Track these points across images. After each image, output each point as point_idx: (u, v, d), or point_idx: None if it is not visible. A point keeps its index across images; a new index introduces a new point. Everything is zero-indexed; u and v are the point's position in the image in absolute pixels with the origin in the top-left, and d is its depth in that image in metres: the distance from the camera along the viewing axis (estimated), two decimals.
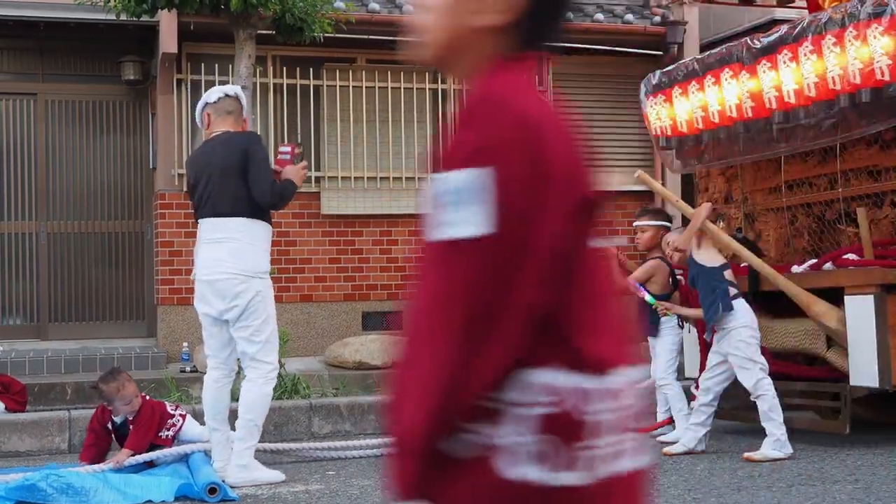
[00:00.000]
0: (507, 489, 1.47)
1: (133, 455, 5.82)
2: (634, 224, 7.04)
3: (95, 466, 5.68)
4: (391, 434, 1.49)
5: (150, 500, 5.08)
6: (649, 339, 6.88)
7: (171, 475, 5.49)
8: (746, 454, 5.97)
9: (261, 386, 5.55)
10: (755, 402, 6.16)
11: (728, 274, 6.16)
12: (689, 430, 6.25)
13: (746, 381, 6.03)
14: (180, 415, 6.23)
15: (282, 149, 6.02)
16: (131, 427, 5.94)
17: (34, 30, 10.03)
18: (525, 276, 1.45)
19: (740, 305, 6.10)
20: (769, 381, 6.00)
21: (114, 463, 5.71)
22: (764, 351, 6.72)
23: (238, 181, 5.53)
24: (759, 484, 5.12)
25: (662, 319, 6.78)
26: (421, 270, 1.50)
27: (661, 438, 6.71)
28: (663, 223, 6.91)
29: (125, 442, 5.88)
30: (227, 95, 5.86)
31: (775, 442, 5.92)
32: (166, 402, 6.41)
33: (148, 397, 6.28)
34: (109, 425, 6.01)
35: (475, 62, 1.53)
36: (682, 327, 6.84)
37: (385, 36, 10.45)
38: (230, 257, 5.49)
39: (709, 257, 6.19)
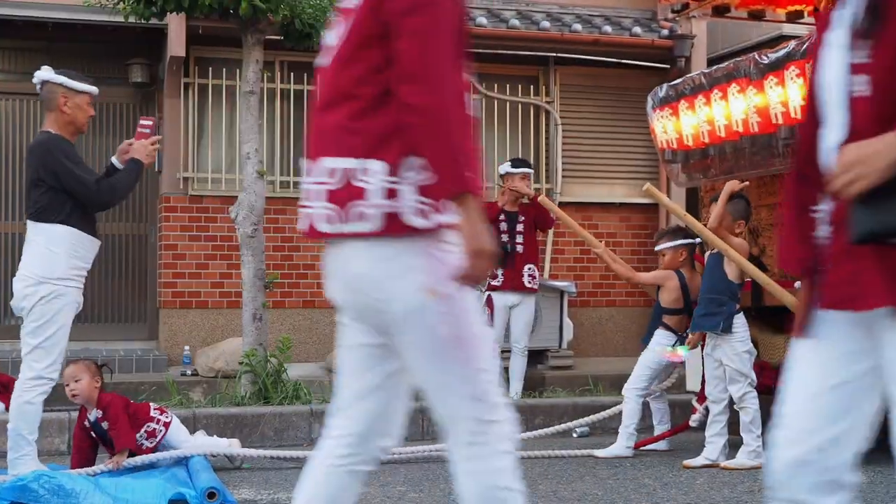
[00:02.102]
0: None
1: (128, 453, 5.80)
2: (656, 248, 7.14)
3: (90, 469, 5.67)
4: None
5: None
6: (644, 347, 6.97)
7: (169, 479, 5.48)
8: (723, 463, 6.17)
9: (20, 393, 5.39)
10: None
11: (740, 294, 6.30)
12: (710, 443, 6.32)
13: (734, 392, 6.25)
14: (164, 423, 6.00)
15: (143, 122, 5.86)
16: (104, 425, 5.81)
17: (42, 30, 10.05)
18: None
19: (740, 321, 6.23)
20: (755, 394, 6.21)
21: (113, 465, 5.69)
22: (765, 366, 6.74)
23: (37, 188, 5.47)
24: (758, 499, 5.11)
25: (656, 333, 6.85)
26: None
27: (596, 453, 6.71)
28: (681, 242, 6.96)
29: (115, 445, 5.81)
30: (42, 84, 5.62)
31: (751, 452, 6.16)
32: (151, 405, 6.17)
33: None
34: (86, 423, 5.91)
35: None
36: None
37: None
38: (26, 260, 5.47)
39: (733, 272, 6.28)
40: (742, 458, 6.12)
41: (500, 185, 9.32)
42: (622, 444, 6.77)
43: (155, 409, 6.10)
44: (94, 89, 5.69)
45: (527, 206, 8.92)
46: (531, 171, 9.08)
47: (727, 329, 6.20)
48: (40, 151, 5.50)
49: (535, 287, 8.94)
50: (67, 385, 5.81)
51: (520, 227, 8.85)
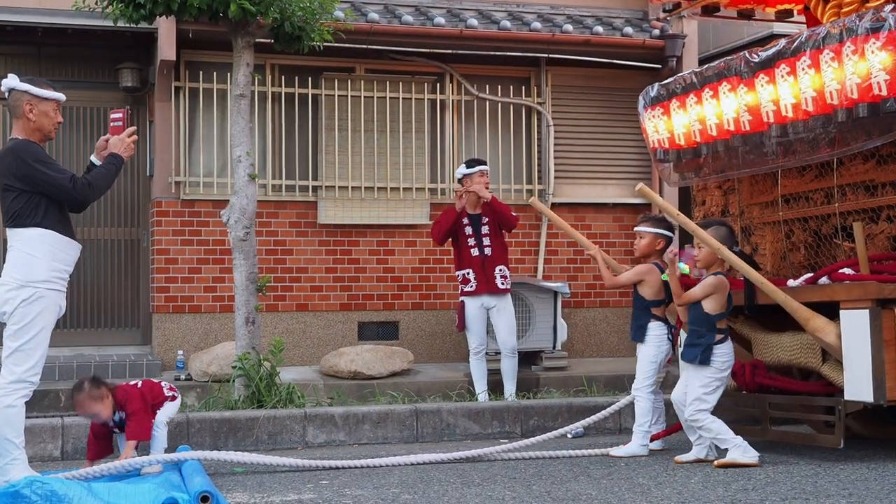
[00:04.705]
0: None
1: (138, 444, 6.02)
2: (635, 229, 7.10)
3: (80, 472, 5.67)
4: None
5: None
6: (637, 344, 6.93)
7: (162, 483, 5.46)
8: (716, 461, 6.17)
9: (0, 398, 5.36)
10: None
11: (721, 323, 6.29)
12: (697, 444, 6.37)
13: (686, 412, 6.31)
14: (169, 398, 6.30)
15: (113, 116, 5.85)
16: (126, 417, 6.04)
17: (32, 36, 10.04)
18: None
19: (721, 350, 6.23)
20: (706, 413, 6.23)
21: (123, 459, 5.85)
22: (759, 364, 6.74)
23: (8, 194, 5.45)
24: (752, 497, 5.10)
25: (650, 326, 6.81)
26: None
27: (612, 452, 6.72)
28: (662, 231, 6.93)
29: (126, 433, 6.00)
30: (8, 92, 5.61)
31: (737, 447, 6.15)
32: (163, 386, 6.36)
33: (137, 383, 6.26)
34: (110, 422, 6.12)
35: None
36: (671, 340, 6.87)
37: (384, 46, 10.47)
38: (7, 265, 5.46)
39: (709, 304, 6.25)
40: (734, 455, 6.12)
41: (455, 189, 9.27)
42: (638, 443, 6.75)
43: (166, 387, 6.35)
44: (59, 96, 5.67)
45: (491, 205, 8.86)
46: (487, 167, 9.03)
47: (705, 361, 6.22)
48: (10, 158, 5.48)
49: (508, 288, 8.91)
50: (96, 414, 6.02)
51: (485, 230, 8.81)
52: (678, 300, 6.41)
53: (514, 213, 8.99)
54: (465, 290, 8.83)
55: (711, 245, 6.30)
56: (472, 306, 8.82)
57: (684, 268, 6.61)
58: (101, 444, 6.18)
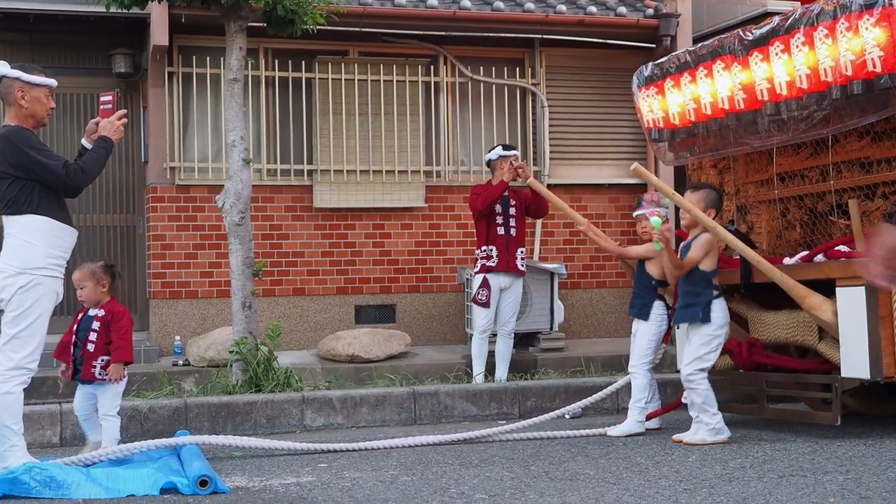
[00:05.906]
0: None
1: (126, 365, 6.06)
2: (636, 213, 7.10)
3: (78, 458, 5.67)
4: None
5: (132, 495, 5.04)
6: (635, 320, 6.93)
7: (161, 468, 5.47)
8: (686, 439, 6.28)
9: None
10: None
11: (716, 280, 6.32)
12: (697, 422, 6.38)
13: (684, 370, 6.33)
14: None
15: (102, 98, 5.85)
16: (95, 325, 6.08)
17: (24, 22, 10.00)
18: None
19: (718, 306, 6.26)
20: (704, 377, 6.27)
21: (115, 379, 5.97)
22: (756, 342, 6.75)
23: (2, 181, 5.43)
24: (750, 475, 5.12)
25: (655, 305, 6.83)
26: None
27: (610, 432, 6.75)
28: (665, 210, 6.97)
29: (113, 354, 6.00)
30: (0, 79, 5.57)
31: (711, 430, 6.23)
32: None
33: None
34: (80, 316, 6.21)
35: None
36: (669, 318, 6.89)
37: (378, 28, 10.44)
38: (4, 253, 5.45)
39: (706, 262, 6.27)
40: (702, 434, 6.19)
41: (488, 169, 9.34)
42: (634, 419, 6.79)
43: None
44: (51, 82, 5.65)
45: (516, 190, 8.99)
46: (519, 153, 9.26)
47: (706, 319, 6.25)
48: (3, 145, 5.47)
49: (525, 270, 9.04)
50: (82, 288, 6.22)
51: (512, 211, 8.94)
52: (680, 270, 6.40)
53: None
54: (487, 264, 8.88)
55: (708, 225, 6.30)
56: (494, 283, 8.88)
57: (657, 221, 6.47)
58: (64, 346, 6.23)
